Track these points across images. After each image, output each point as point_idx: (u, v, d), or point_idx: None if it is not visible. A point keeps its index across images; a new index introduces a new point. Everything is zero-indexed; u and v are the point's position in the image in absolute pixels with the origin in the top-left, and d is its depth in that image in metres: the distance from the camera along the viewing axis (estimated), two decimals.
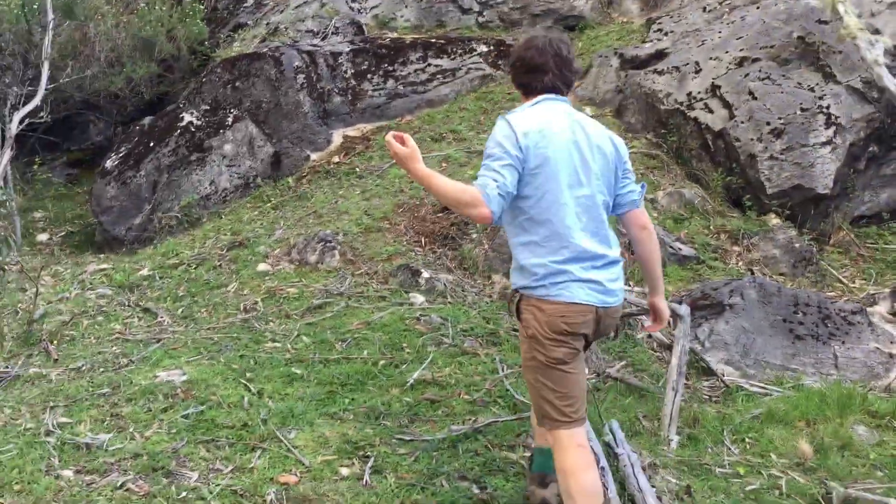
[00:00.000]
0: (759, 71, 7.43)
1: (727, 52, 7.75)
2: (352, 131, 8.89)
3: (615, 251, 3.07)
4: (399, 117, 8.94)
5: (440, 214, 7.06)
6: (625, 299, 4.86)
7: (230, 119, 8.57)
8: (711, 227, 6.95)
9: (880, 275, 6.75)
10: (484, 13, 9.95)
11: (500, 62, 9.37)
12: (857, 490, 3.62)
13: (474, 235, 6.78)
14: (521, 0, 9.87)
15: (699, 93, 7.73)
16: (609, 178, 3.07)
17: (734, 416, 4.45)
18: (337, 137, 8.80)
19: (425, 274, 6.27)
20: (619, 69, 8.63)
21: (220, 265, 6.90)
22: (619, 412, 4.38)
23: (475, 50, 9.34)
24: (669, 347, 5.13)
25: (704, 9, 8.82)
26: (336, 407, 4.31)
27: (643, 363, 5.15)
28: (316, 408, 4.29)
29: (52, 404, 4.38)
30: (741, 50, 7.69)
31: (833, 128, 7.03)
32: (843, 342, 5.35)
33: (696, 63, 7.87)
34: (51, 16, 8.92)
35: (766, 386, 4.93)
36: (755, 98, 7.27)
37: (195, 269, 6.91)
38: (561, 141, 2.96)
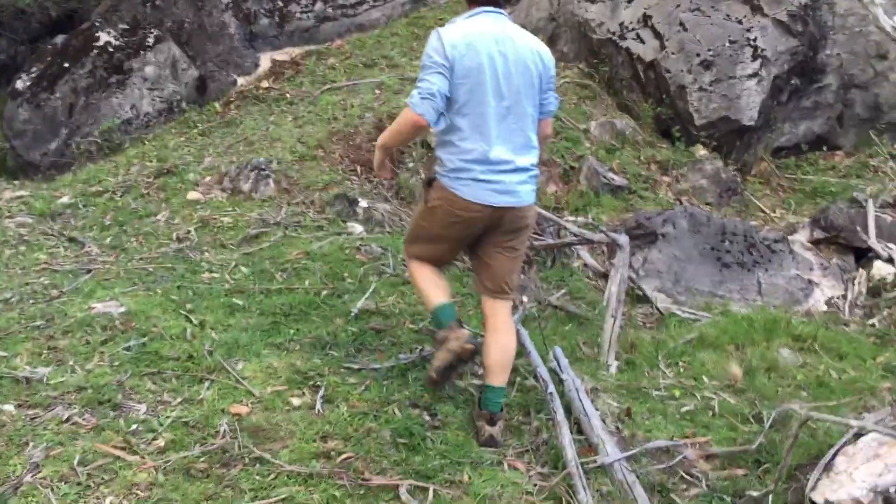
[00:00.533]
0: (690, 2, 7.50)
1: None
2: (280, 55, 8.63)
3: (527, 160, 3.32)
4: (329, 41, 8.72)
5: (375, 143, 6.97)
6: (561, 227, 4.95)
7: (151, 39, 8.20)
8: (642, 158, 7.09)
9: (799, 204, 7.05)
10: None
11: None
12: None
13: (410, 165, 6.75)
14: None
15: (631, 23, 7.77)
16: (533, 90, 3.28)
17: (668, 341, 4.63)
18: (265, 61, 8.53)
19: (363, 203, 6.22)
20: None
21: (147, 193, 6.68)
22: (560, 339, 4.50)
23: None
24: (605, 276, 5.28)
25: None
26: (281, 337, 4.29)
27: (580, 291, 5.28)
28: (261, 338, 4.25)
29: None
30: None
31: (759, 60, 7.21)
32: (767, 269, 5.60)
33: None
34: None
35: (696, 312, 5.14)
36: (686, 29, 7.36)
37: (121, 197, 6.68)
38: (486, 53, 3.18)
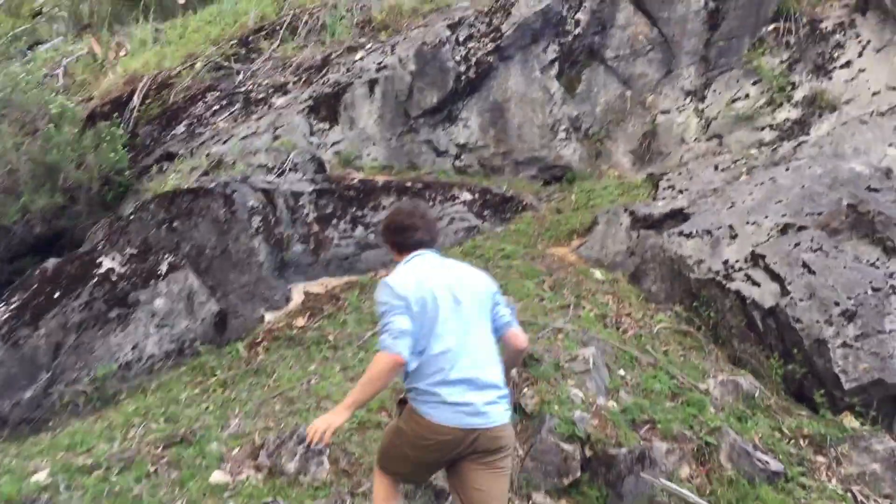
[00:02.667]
0: (812, 241, 6.44)
1: (766, 216, 6.76)
2: (314, 286, 7.32)
3: (493, 373, 3.49)
4: (372, 271, 7.46)
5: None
6: None
7: (164, 267, 6.85)
8: (785, 430, 5.67)
9: None
10: (462, 157, 8.78)
11: (486, 213, 8.12)
12: None
13: None
14: (504, 145, 8.78)
15: (737, 261, 6.65)
16: (484, 311, 3.57)
17: None
18: (296, 294, 7.20)
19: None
20: (629, 228, 7.53)
21: (155, 471, 5.03)
22: None
23: (457, 197, 8.07)
24: None
25: (716, 167, 7.95)
26: None
27: None
28: None
29: None
30: (783, 216, 6.71)
31: None
32: None
33: (731, 227, 6.83)
34: None
35: None
36: (812, 272, 6.23)
37: (118, 475, 5.01)
38: (435, 285, 3.46)
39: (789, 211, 6.74)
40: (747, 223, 6.81)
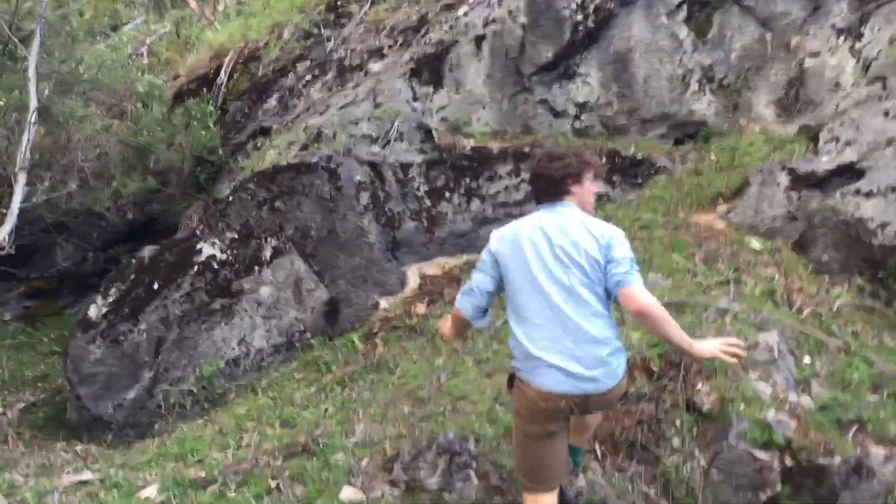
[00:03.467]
0: None
1: None
2: (430, 267, 6.58)
3: (591, 359, 3.24)
4: None
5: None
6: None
7: (268, 252, 6.21)
8: None
9: None
10: (582, 117, 7.87)
11: (615, 178, 7.22)
12: None
13: (675, 442, 4.42)
14: (629, 102, 7.83)
15: None
16: (586, 269, 3.26)
17: None
18: (412, 276, 6.47)
19: None
20: (789, 188, 6.52)
21: (277, 486, 4.40)
22: None
23: None
24: None
25: (887, 113, 6.83)
26: None
27: None
28: None
29: None
30: None
31: None
32: None
33: None
34: (34, 104, 6.55)
35: None
36: None
37: (236, 490, 4.40)
38: (526, 245, 3.36)
39: None
40: None
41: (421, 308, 6.04)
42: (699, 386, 4.56)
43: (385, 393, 5.18)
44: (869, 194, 5.91)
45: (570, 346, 3.23)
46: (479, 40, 7.88)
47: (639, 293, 3.20)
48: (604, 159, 7.19)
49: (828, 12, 7.88)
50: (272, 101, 9.08)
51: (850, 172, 6.39)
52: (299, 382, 5.65)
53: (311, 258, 6.30)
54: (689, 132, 7.95)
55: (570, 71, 7.87)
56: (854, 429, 4.35)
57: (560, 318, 3.24)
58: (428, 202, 6.80)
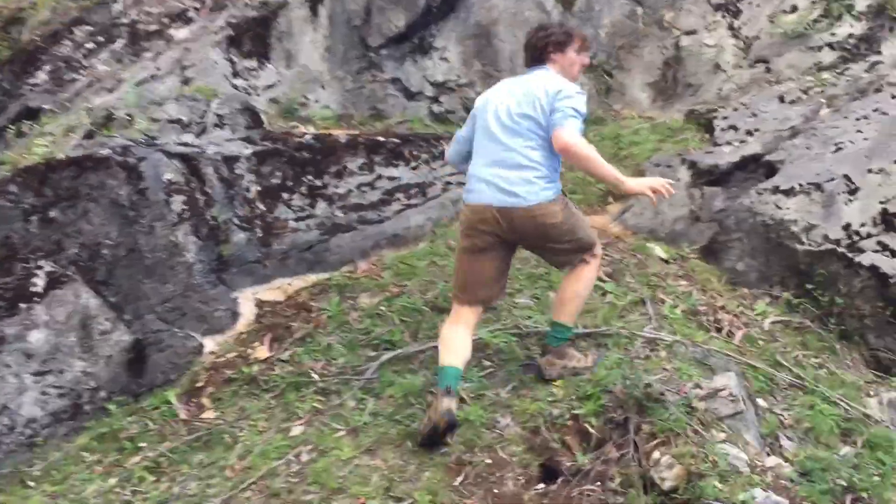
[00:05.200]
0: None
1: (895, 161, 5.00)
2: (270, 292, 5.08)
3: (518, 175, 3.69)
4: (348, 264, 5.30)
5: (540, 488, 3.50)
6: None
7: (41, 281, 4.47)
8: None
9: None
10: (441, 99, 6.62)
11: None
12: None
13: None
14: (495, 82, 6.61)
15: (864, 225, 4.88)
16: (533, 116, 3.70)
17: None
18: (247, 306, 4.94)
19: None
20: (690, 185, 5.64)
21: None
22: None
23: None
24: None
25: (782, 98, 6.13)
26: None
27: None
28: None
29: None
30: None
31: None
32: None
33: (847, 178, 5.03)
34: None
35: None
36: None
37: None
38: (493, 96, 3.92)
39: None
40: (869, 171, 5.03)
41: (262, 350, 4.55)
42: (655, 454, 3.46)
43: (222, 483, 3.68)
44: (789, 192, 5.10)
45: (500, 168, 3.72)
46: (314, 3, 6.47)
47: (564, 133, 3.58)
48: None
49: None
50: (42, 75, 7.13)
51: (757, 165, 5.60)
52: (91, 468, 4.00)
53: (104, 287, 4.62)
54: None
55: (425, 44, 6.62)
56: (848, 500, 3.42)
57: (499, 147, 3.74)
58: (262, 206, 5.29)
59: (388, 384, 4.12)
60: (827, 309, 4.85)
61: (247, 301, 4.97)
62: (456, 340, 3.77)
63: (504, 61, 6.72)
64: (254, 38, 6.48)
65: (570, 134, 3.57)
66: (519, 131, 3.70)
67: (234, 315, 4.88)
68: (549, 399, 3.84)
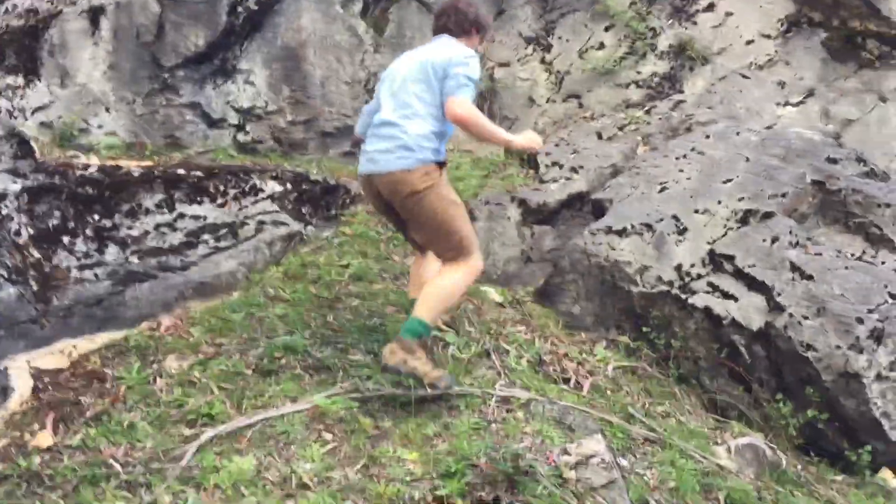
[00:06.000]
0: (790, 233, 4.86)
1: (719, 201, 5.07)
2: (50, 358, 4.18)
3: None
4: (149, 319, 4.53)
5: None
6: None
7: None
8: None
9: None
10: (247, 127, 5.98)
11: (305, 210, 5.48)
12: None
13: None
14: (305, 110, 6.13)
15: (693, 266, 4.89)
16: (423, 83, 3.81)
17: None
18: (20, 378, 4.02)
19: None
20: (521, 223, 5.43)
21: None
22: None
23: (262, 189, 5.31)
24: None
25: (600, 135, 6.12)
26: None
27: None
28: None
29: None
30: (740, 199, 5.07)
31: None
32: None
33: (676, 218, 5.03)
34: None
35: None
36: (807, 276, 4.64)
37: None
38: (394, 65, 4.05)
39: (746, 193, 5.11)
40: (695, 212, 5.06)
41: (45, 435, 3.68)
42: None
43: None
44: (622, 233, 5.01)
45: (376, 136, 3.84)
46: (95, 14, 5.64)
47: (455, 103, 3.68)
48: (289, 185, 5.40)
49: (513, 17, 7.10)
50: None
51: (580, 203, 5.52)
52: None
53: None
54: None
55: (228, 66, 5.99)
56: None
57: (384, 114, 3.84)
58: (36, 253, 4.40)
59: (212, 471, 3.45)
60: (664, 352, 4.80)
61: (20, 371, 4.05)
62: (416, 277, 4.31)
63: (314, 87, 6.22)
64: (19, 51, 5.51)
65: (462, 104, 3.68)
66: (408, 102, 3.79)
67: (4, 390, 3.96)
68: (407, 479, 3.37)
